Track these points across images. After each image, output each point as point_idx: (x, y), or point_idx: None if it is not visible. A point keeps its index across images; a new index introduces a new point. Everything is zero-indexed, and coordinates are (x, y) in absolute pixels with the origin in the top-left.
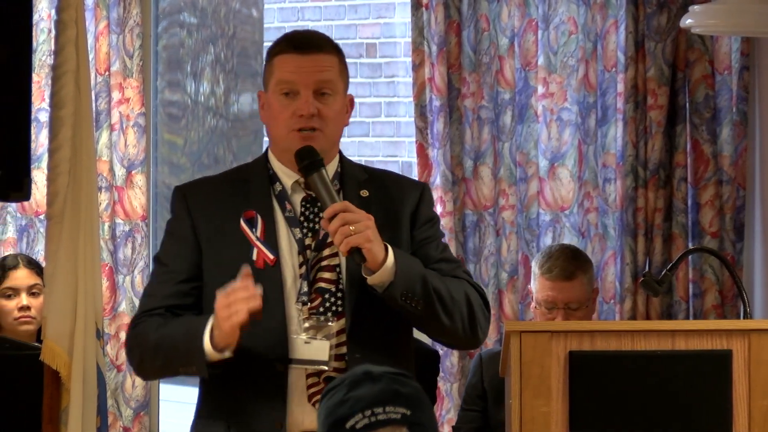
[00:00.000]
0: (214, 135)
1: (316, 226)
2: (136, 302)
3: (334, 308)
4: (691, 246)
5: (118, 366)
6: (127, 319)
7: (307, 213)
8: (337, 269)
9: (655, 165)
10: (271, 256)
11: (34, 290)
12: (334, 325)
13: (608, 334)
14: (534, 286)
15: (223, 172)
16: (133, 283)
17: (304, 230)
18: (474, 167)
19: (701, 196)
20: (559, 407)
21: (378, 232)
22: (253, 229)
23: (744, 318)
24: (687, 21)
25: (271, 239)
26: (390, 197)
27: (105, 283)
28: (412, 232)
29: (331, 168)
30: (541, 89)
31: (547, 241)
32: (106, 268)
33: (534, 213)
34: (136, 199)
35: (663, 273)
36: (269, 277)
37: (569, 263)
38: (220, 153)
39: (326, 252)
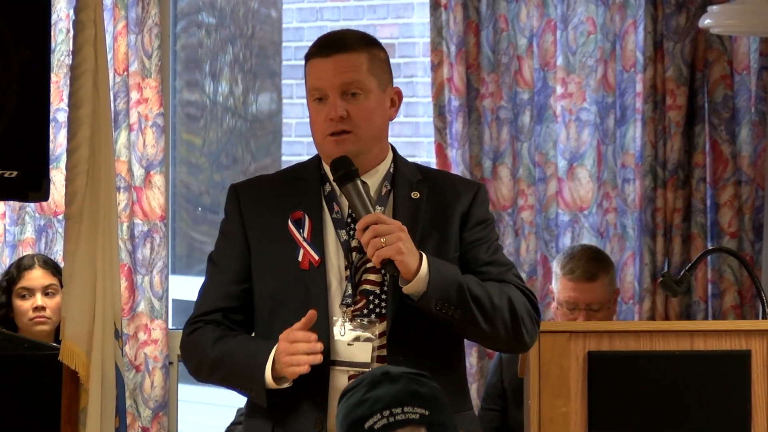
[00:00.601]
0: (232, 135)
1: None
2: (155, 303)
3: (377, 310)
4: (710, 246)
5: (137, 366)
6: (145, 320)
7: (354, 215)
8: (382, 271)
9: (674, 165)
10: (316, 257)
11: (49, 290)
12: (377, 328)
13: (627, 335)
14: (555, 286)
15: (279, 171)
16: (152, 284)
17: (351, 232)
18: (493, 167)
19: (720, 197)
20: (578, 407)
21: (424, 234)
22: (301, 230)
23: (763, 318)
24: (706, 21)
25: (317, 240)
26: (442, 198)
27: (123, 284)
28: (462, 234)
29: (383, 168)
30: (559, 89)
31: (566, 241)
32: (125, 268)
33: (553, 213)
34: (155, 199)
35: (682, 273)
36: (314, 278)
37: (591, 264)
38: (239, 153)
39: None
